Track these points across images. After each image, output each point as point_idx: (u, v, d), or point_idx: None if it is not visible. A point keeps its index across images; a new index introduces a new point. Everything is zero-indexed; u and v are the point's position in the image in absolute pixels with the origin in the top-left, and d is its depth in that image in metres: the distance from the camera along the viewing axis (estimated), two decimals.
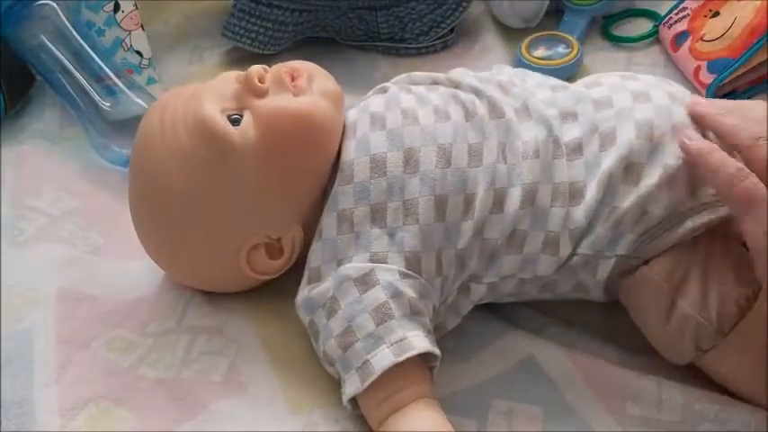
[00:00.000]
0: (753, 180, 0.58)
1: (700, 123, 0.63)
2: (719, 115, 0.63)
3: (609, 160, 0.62)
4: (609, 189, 0.62)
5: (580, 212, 0.62)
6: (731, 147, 0.61)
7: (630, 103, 0.64)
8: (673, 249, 0.62)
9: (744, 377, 0.62)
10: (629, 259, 0.63)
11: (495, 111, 0.65)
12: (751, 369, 0.61)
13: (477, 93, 0.66)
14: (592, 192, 0.62)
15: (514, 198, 0.62)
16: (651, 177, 0.61)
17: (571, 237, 0.62)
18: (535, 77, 0.70)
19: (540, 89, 0.67)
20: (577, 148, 0.63)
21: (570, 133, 0.64)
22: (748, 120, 0.61)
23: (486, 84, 0.67)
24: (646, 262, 0.62)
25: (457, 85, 0.68)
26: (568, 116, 0.65)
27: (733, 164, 0.59)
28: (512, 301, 0.67)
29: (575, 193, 0.62)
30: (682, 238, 0.62)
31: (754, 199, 0.57)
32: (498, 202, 0.62)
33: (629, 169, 0.62)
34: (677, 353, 0.63)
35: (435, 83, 0.69)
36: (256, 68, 0.65)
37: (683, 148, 0.61)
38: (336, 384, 0.62)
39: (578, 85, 0.68)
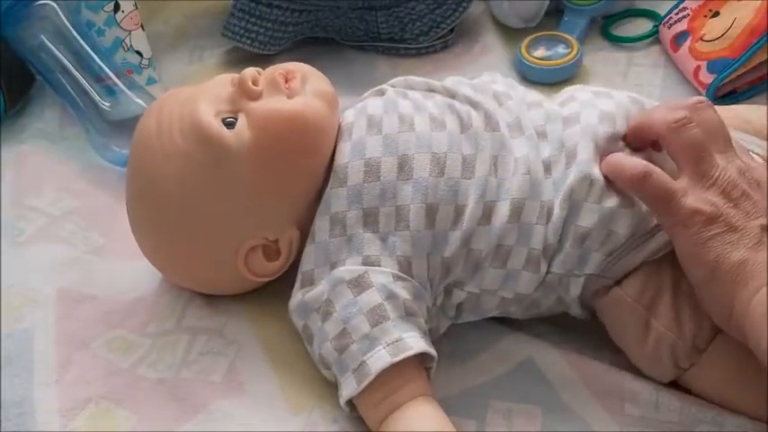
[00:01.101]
0: (658, 175, 0.60)
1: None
2: (635, 119, 0.65)
3: (571, 177, 0.63)
4: (573, 206, 0.62)
5: (550, 230, 0.62)
6: (656, 139, 0.63)
7: (596, 122, 0.64)
8: (641, 270, 0.63)
9: (728, 392, 0.62)
10: (599, 278, 0.63)
11: (491, 124, 0.65)
12: (733, 383, 0.61)
13: (474, 104, 0.66)
14: (557, 209, 0.62)
15: (502, 212, 0.62)
16: (612, 197, 0.62)
17: (545, 254, 0.63)
18: (518, 92, 0.70)
19: (522, 104, 0.67)
20: (547, 168, 0.64)
21: (542, 152, 0.64)
22: (662, 109, 0.63)
23: (481, 94, 0.67)
24: (618, 283, 0.63)
25: (453, 96, 0.68)
26: (539, 135, 0.65)
27: (638, 161, 0.61)
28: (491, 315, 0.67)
29: (549, 212, 0.63)
30: (647, 257, 0.62)
31: (662, 193, 0.59)
32: (487, 214, 0.62)
33: (592, 187, 0.62)
34: (657, 371, 0.63)
35: (431, 90, 0.69)
36: (250, 71, 0.65)
37: (604, 171, 0.63)
38: (335, 385, 0.62)
39: (554, 103, 0.68)
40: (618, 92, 0.69)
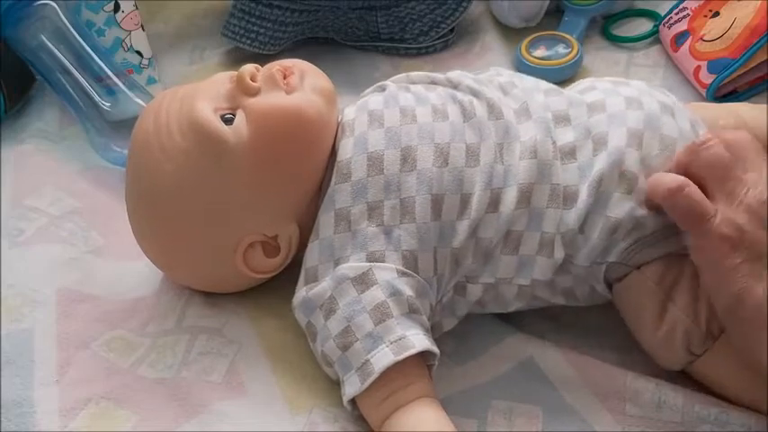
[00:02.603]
0: (693, 190, 0.58)
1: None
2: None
3: (600, 164, 0.62)
4: (601, 195, 0.62)
5: (572, 216, 0.62)
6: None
7: (624, 108, 0.64)
8: (663, 257, 0.62)
9: (737, 382, 0.61)
10: (621, 266, 0.63)
11: (494, 112, 0.65)
12: (743, 373, 0.61)
13: (476, 94, 0.67)
14: (583, 195, 0.62)
15: (510, 198, 0.62)
16: (644, 190, 0.62)
17: (563, 240, 0.63)
18: (528, 81, 0.70)
19: (533, 92, 0.67)
20: (571, 152, 0.64)
21: (564, 137, 0.64)
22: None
23: (484, 85, 0.68)
24: (638, 267, 0.63)
25: (455, 86, 0.68)
26: (561, 120, 0.65)
27: (676, 176, 0.60)
28: (522, 308, 0.67)
29: (568, 197, 0.63)
30: (673, 251, 0.62)
31: (694, 210, 0.58)
32: (494, 201, 0.62)
33: (623, 177, 0.62)
34: (669, 357, 0.63)
35: (434, 83, 0.69)
36: (248, 67, 0.65)
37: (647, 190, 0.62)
38: (336, 384, 0.62)
39: (572, 90, 0.69)
40: (634, 81, 0.69)
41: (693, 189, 0.59)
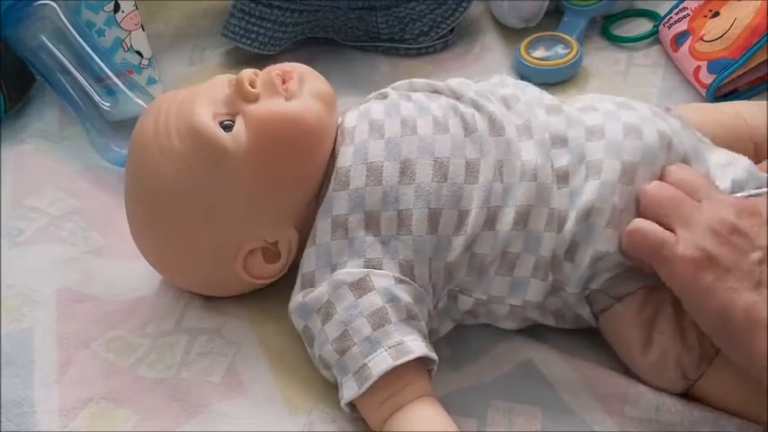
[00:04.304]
0: (646, 226, 0.60)
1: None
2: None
3: (590, 194, 0.62)
4: (590, 226, 0.62)
5: (560, 241, 0.62)
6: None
7: (621, 138, 0.64)
8: (642, 288, 0.63)
9: (740, 400, 0.61)
10: (603, 295, 0.63)
11: (496, 128, 0.65)
12: (745, 391, 0.60)
13: (478, 107, 0.66)
14: (571, 223, 0.62)
15: (507, 218, 0.62)
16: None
17: (552, 264, 0.63)
18: (532, 93, 0.69)
19: (535, 107, 0.67)
20: (564, 177, 0.63)
21: (559, 160, 0.64)
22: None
23: (487, 99, 0.67)
24: (619, 300, 0.63)
25: (458, 98, 0.67)
26: (558, 141, 0.65)
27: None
28: (513, 327, 0.67)
29: (560, 222, 0.63)
30: (651, 283, 0.62)
31: (651, 244, 0.59)
32: (491, 219, 0.62)
33: (614, 211, 0.62)
34: (665, 384, 0.63)
35: (436, 91, 0.69)
36: (247, 73, 0.64)
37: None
38: (335, 386, 0.62)
39: (573, 108, 0.67)
40: (639, 103, 0.68)
41: (645, 224, 0.60)
